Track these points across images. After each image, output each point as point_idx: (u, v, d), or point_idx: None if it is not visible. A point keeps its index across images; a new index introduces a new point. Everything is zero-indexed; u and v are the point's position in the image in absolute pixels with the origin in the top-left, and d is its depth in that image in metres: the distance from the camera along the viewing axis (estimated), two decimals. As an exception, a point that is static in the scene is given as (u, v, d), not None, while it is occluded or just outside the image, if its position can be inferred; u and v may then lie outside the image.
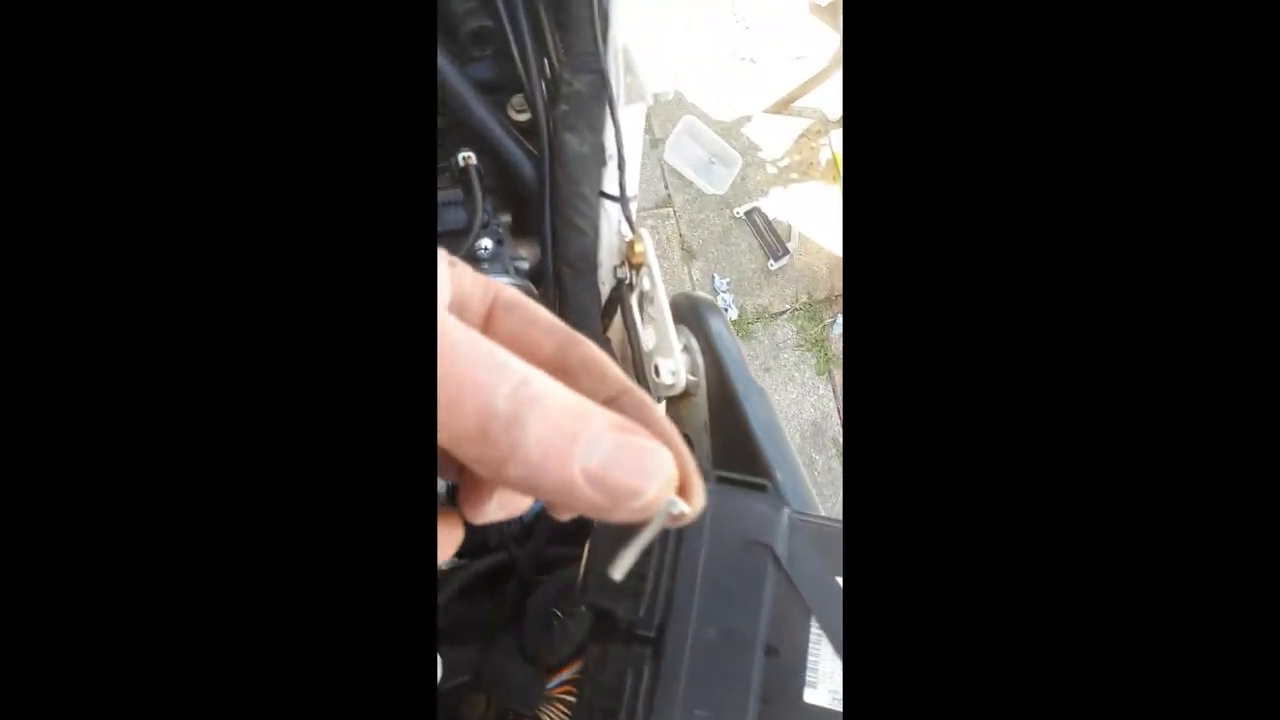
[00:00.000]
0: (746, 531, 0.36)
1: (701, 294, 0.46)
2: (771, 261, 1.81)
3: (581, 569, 0.37)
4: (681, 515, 0.15)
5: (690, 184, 1.85)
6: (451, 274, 0.18)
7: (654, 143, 1.85)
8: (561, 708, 0.39)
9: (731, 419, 0.41)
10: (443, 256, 0.17)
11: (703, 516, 0.30)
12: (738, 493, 0.37)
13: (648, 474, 0.15)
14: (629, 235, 0.48)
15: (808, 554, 0.36)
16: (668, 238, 1.82)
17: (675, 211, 1.85)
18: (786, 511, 0.37)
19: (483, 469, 0.15)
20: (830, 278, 1.87)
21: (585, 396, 0.15)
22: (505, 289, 0.19)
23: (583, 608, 0.38)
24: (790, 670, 0.34)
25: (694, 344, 0.46)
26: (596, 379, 0.18)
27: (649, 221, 1.81)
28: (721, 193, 1.83)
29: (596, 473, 0.14)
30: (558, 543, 0.45)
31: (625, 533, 0.16)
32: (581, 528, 0.42)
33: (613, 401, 0.17)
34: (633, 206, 0.51)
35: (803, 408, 1.80)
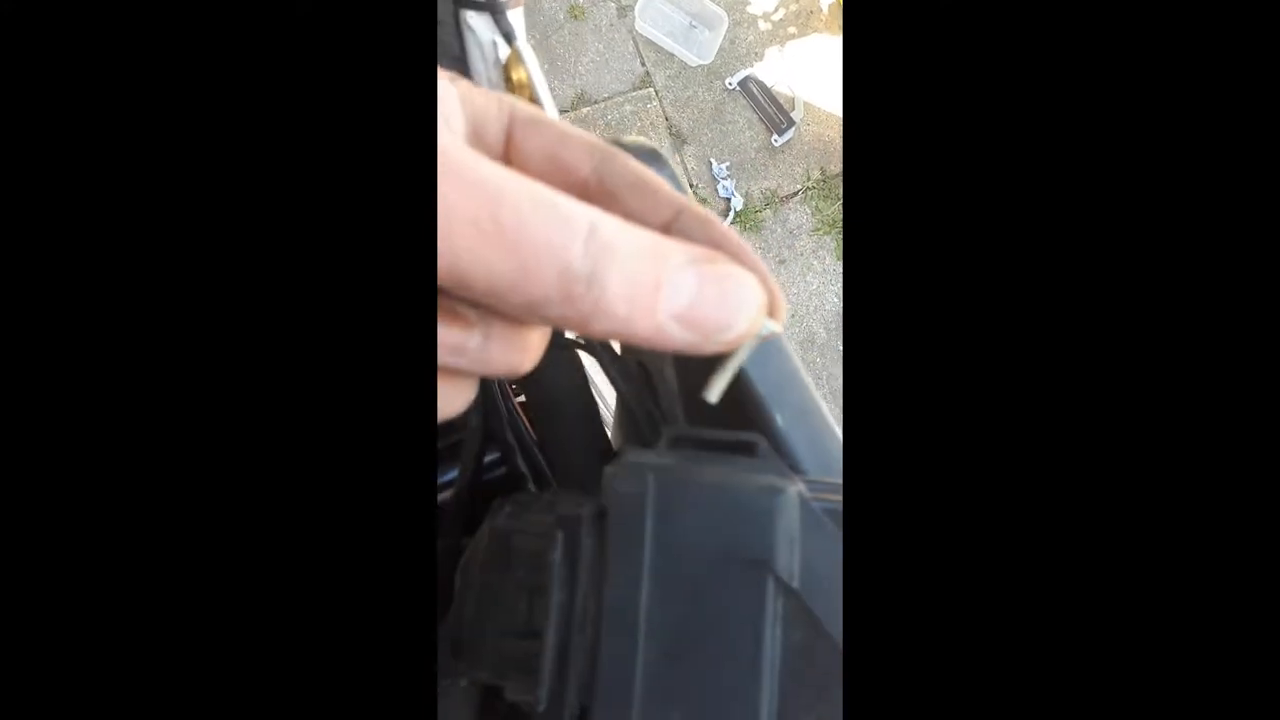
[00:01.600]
0: (722, 540, 0.19)
1: (634, 140, 0.24)
2: (775, 136, 1.61)
3: (453, 602, 0.22)
4: (772, 335, 0.16)
5: (670, 56, 1.61)
6: (458, 94, 0.17)
7: (621, 11, 1.59)
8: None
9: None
10: (442, 75, 0.16)
11: (638, 525, 0.19)
12: (707, 465, 0.20)
13: (737, 305, 0.15)
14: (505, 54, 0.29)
15: (836, 562, 0.19)
16: (652, 123, 1.60)
17: (657, 92, 1.62)
18: (794, 492, 0.19)
19: (565, 326, 0.14)
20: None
21: (641, 221, 0.15)
22: (520, 103, 0.17)
23: (462, 680, 0.22)
24: None
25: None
26: (649, 200, 0.17)
27: (626, 108, 1.58)
28: (708, 62, 1.59)
29: (685, 314, 0.14)
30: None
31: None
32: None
33: (673, 224, 0.16)
34: (516, 15, 0.31)
35: (825, 299, 1.62)
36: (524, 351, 0.17)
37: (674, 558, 0.19)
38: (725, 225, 0.17)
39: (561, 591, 0.20)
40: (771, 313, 0.16)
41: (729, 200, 1.59)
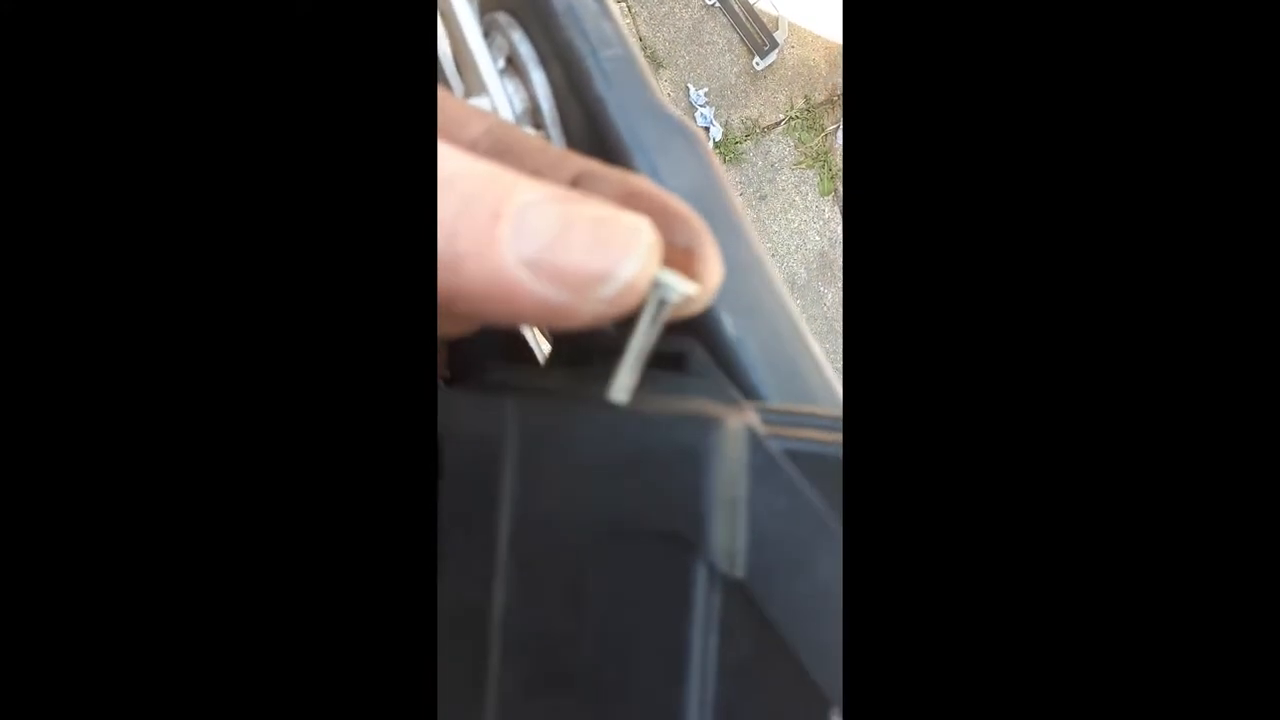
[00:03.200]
0: (625, 504, 0.12)
1: None
2: (757, 60, 1.51)
3: None
4: (687, 301, 0.12)
5: (645, -33, 1.48)
6: None
7: (592, -85, 1.46)
8: None
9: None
10: None
11: (492, 485, 0.12)
12: (603, 387, 0.12)
13: (617, 249, 0.11)
14: None
15: (806, 535, 0.11)
16: (624, 43, 1.49)
17: (629, 6, 1.50)
18: (739, 422, 0.11)
19: None
20: (830, 73, 1.56)
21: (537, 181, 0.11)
22: None
23: None
24: None
25: (525, 51, 0.19)
26: (547, 160, 0.14)
27: (597, 22, 1.47)
28: (686, -26, 1.47)
29: (540, 258, 0.11)
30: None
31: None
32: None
33: (576, 183, 0.13)
34: None
35: (807, 237, 1.55)
36: None
37: (545, 533, 0.12)
38: (643, 179, 0.13)
39: None
40: (689, 271, 0.12)
41: (708, 130, 1.51)
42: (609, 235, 0.11)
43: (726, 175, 0.17)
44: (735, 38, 1.52)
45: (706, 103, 1.51)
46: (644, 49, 1.50)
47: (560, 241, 0.11)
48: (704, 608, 0.11)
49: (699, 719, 0.11)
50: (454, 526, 0.12)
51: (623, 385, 0.12)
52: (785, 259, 1.53)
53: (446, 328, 0.14)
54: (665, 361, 0.13)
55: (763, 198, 1.53)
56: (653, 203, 0.12)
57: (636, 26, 1.50)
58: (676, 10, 1.52)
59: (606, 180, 0.13)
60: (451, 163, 0.11)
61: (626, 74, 0.17)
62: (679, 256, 0.12)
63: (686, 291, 0.11)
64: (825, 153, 1.55)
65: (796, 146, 1.54)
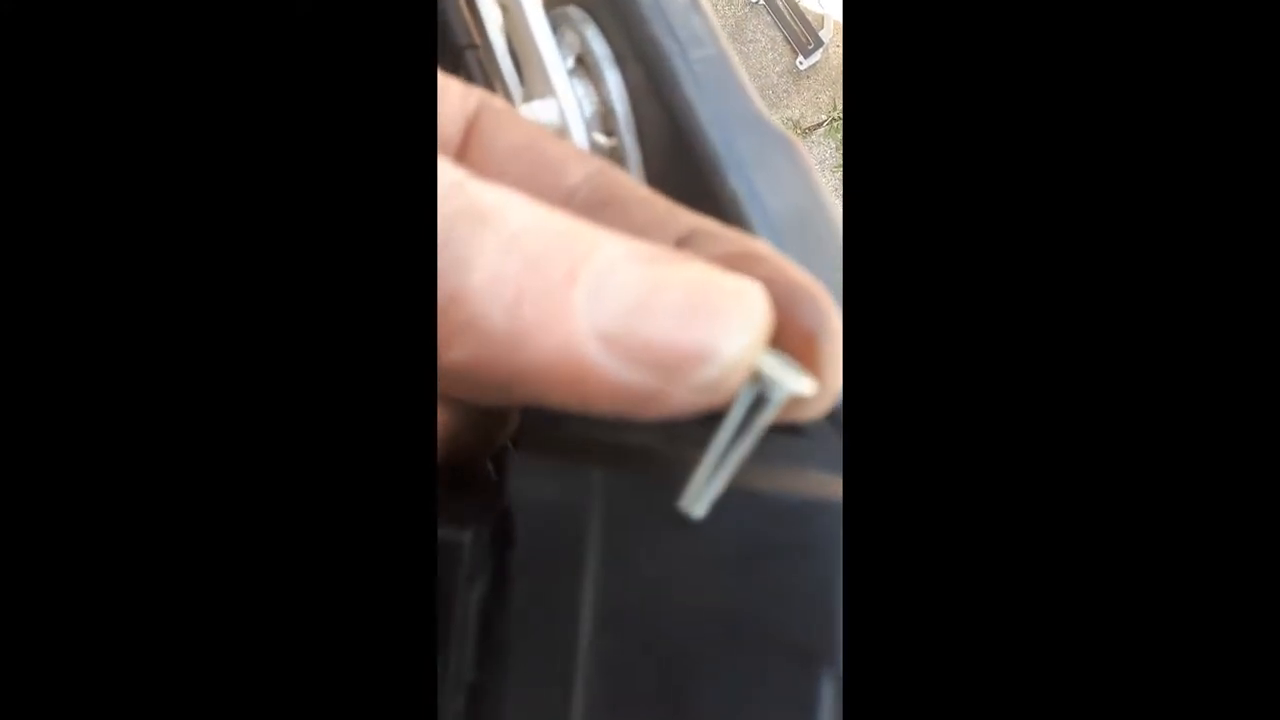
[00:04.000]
0: (740, 605, 0.09)
1: None
2: (800, 59, 1.49)
3: None
4: (797, 400, 0.09)
5: (689, -37, 1.47)
6: None
7: (637, -91, 1.45)
8: None
9: (709, 211, 0.13)
10: None
11: (574, 566, 0.10)
12: (710, 455, 0.10)
13: (717, 317, 0.09)
14: None
15: None
16: (665, 40, 1.48)
17: (672, 4, 1.49)
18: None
19: None
20: (876, 73, 1.52)
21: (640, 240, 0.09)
22: (494, 100, 0.14)
23: None
24: None
25: (599, 49, 0.17)
26: (652, 216, 0.12)
27: (638, 19, 1.46)
28: (730, -30, 1.45)
29: (620, 332, 0.08)
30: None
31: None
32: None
33: (685, 245, 0.11)
34: None
35: (847, 242, 1.53)
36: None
37: (637, 634, 0.10)
38: (763, 243, 0.11)
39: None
40: (810, 363, 0.10)
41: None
42: (708, 303, 0.09)
43: (832, 195, 0.15)
44: (779, 36, 1.50)
45: (747, 102, 1.50)
46: (685, 46, 1.49)
47: (646, 309, 0.09)
48: (829, 714, 0.09)
49: None
50: (526, 617, 0.10)
51: (701, 497, 0.10)
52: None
53: (504, 399, 0.12)
54: (786, 429, 0.11)
55: (819, 172, 1.52)
56: (770, 269, 0.10)
57: (678, 23, 1.50)
58: (719, 7, 1.50)
59: (719, 240, 0.11)
60: (521, 215, 0.09)
61: (721, 77, 0.15)
62: (797, 342, 0.10)
63: (797, 390, 0.09)
64: (868, 155, 1.52)
65: (839, 149, 1.52)
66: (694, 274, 0.09)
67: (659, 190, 0.18)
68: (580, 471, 0.10)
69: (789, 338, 0.10)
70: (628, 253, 0.09)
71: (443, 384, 0.10)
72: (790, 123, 1.51)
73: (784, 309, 0.10)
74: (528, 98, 0.21)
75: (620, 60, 0.17)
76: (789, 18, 1.48)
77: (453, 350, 0.09)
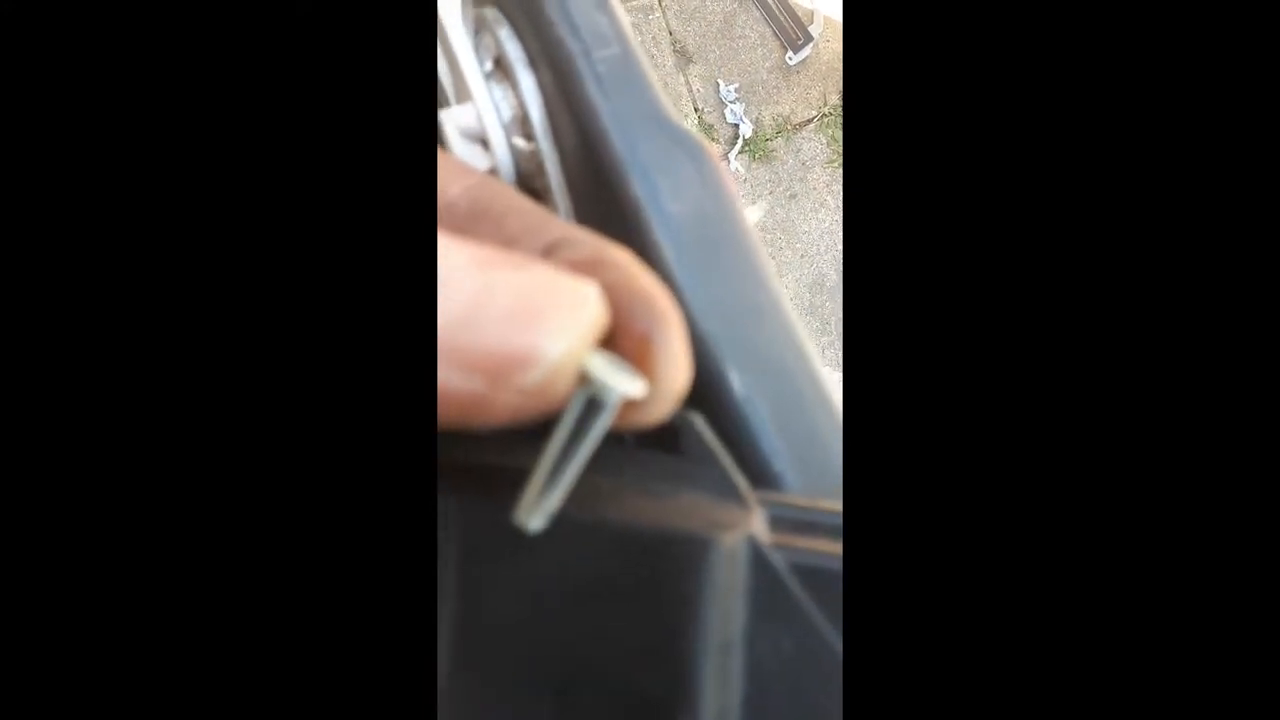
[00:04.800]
0: (595, 644, 0.09)
1: None
2: (790, 54, 1.48)
3: None
4: (633, 404, 0.09)
5: (676, -41, 1.45)
6: None
7: (623, -94, 1.43)
8: None
9: (611, 227, 0.12)
10: None
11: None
12: (572, 476, 0.09)
13: (540, 323, 0.09)
14: None
15: (813, 670, 0.08)
16: (654, 37, 1.47)
17: (660, 2, 1.48)
18: (744, 535, 0.09)
19: None
20: (866, 68, 1.51)
21: (507, 248, 0.10)
22: None
23: None
24: None
25: (513, 51, 0.17)
26: (523, 225, 0.12)
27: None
28: (718, -34, 1.44)
29: (448, 338, 0.08)
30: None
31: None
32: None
33: (554, 250, 0.11)
34: None
35: (838, 238, 1.52)
36: None
37: (483, 675, 0.09)
38: (621, 251, 0.11)
39: None
40: (643, 363, 0.09)
41: (737, 126, 1.48)
42: (535, 307, 0.09)
43: (740, 199, 0.15)
44: (768, 32, 1.48)
45: (737, 99, 1.48)
46: (674, 44, 1.48)
47: (476, 316, 0.08)
48: None
49: None
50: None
51: (535, 508, 0.09)
52: (814, 260, 1.49)
53: None
54: (654, 437, 0.11)
55: (793, 196, 1.50)
56: (617, 275, 0.10)
57: (667, 20, 1.48)
58: (708, 3, 1.49)
59: (577, 246, 0.11)
60: None
61: (624, 78, 0.15)
62: (633, 345, 0.10)
63: (627, 391, 0.09)
64: (859, 151, 1.51)
65: (829, 144, 1.51)
66: (526, 279, 0.09)
67: (573, 194, 0.17)
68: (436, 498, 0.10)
69: (626, 341, 0.10)
70: (466, 259, 0.09)
71: None
72: (781, 119, 1.50)
73: (623, 313, 0.09)
74: (458, 100, 0.20)
75: (533, 62, 0.17)
76: (778, 13, 1.47)
77: None
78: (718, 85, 1.48)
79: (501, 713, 0.09)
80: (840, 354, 1.51)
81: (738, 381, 0.12)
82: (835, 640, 0.09)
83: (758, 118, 1.48)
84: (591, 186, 0.16)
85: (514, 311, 0.09)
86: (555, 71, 0.16)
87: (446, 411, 0.09)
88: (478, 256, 0.09)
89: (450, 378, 0.09)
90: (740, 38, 1.48)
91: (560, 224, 0.12)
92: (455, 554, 0.09)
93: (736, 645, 0.09)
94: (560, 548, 0.09)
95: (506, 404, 0.09)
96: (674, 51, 1.48)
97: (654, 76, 0.15)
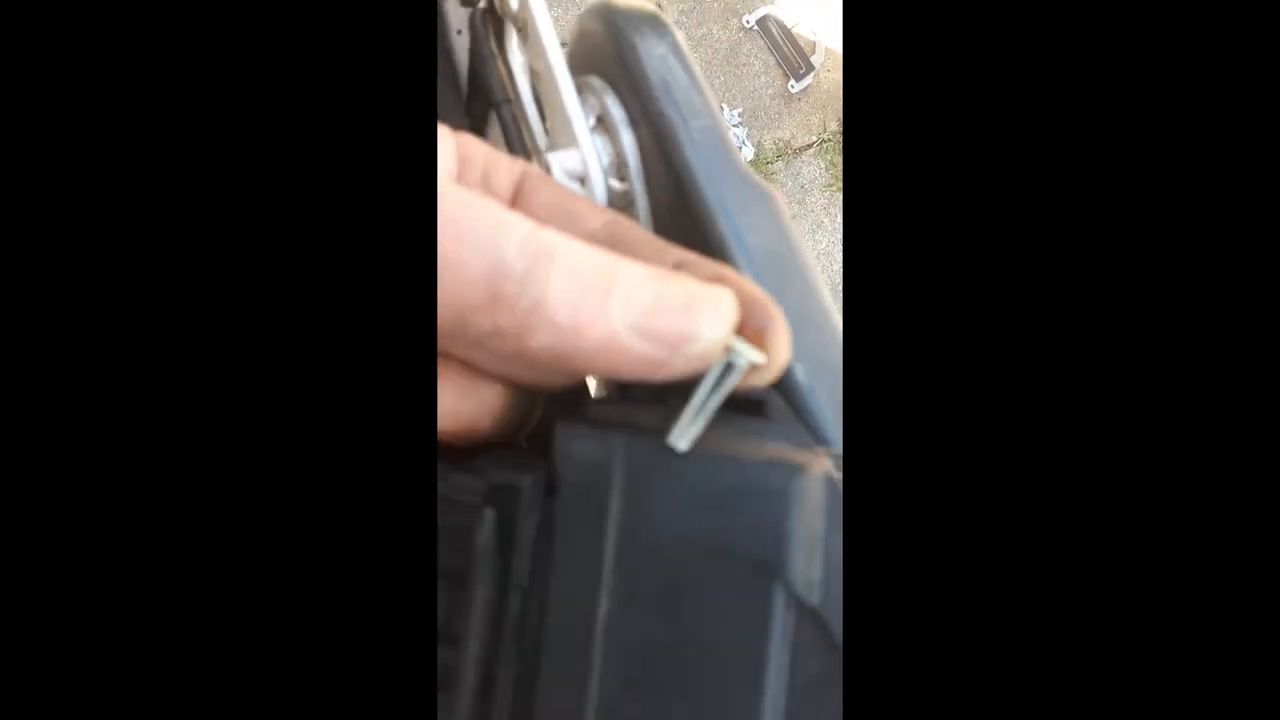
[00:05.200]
0: (717, 532, 0.14)
1: (625, 2, 0.18)
2: (793, 82, 1.53)
3: None
4: (754, 368, 0.14)
5: (686, -12, 1.51)
6: (456, 145, 0.17)
7: (637, -64, 1.48)
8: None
9: (701, 251, 0.17)
10: (441, 130, 0.16)
11: (600, 504, 0.14)
12: (705, 432, 0.14)
13: (701, 313, 0.13)
14: None
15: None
16: (663, 62, 1.51)
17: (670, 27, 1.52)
18: (819, 471, 0.14)
19: (496, 344, 0.13)
20: (865, 98, 1.56)
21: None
22: (534, 168, 0.18)
23: None
24: None
25: (616, 113, 0.21)
26: (652, 251, 0.16)
27: (637, 41, 1.49)
28: (726, -3, 1.49)
29: (643, 322, 0.13)
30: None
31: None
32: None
33: (678, 270, 0.15)
34: None
35: (834, 259, 1.56)
36: (478, 407, 0.15)
37: (647, 553, 0.14)
38: (731, 270, 0.15)
39: (489, 586, 0.14)
40: (760, 343, 0.14)
41: (740, 149, 1.52)
42: (696, 304, 0.13)
43: (801, 238, 0.19)
44: (772, 60, 1.53)
45: (740, 122, 1.52)
46: (681, 68, 1.53)
47: (658, 309, 0.13)
48: (781, 628, 0.13)
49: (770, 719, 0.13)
50: (566, 540, 0.14)
51: (685, 434, 0.14)
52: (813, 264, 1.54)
53: (553, 380, 0.16)
54: (748, 408, 0.15)
55: (791, 218, 1.55)
56: (738, 286, 0.14)
57: (675, 46, 1.53)
58: (715, 31, 1.54)
59: (700, 266, 0.15)
60: (574, 251, 0.13)
61: (714, 143, 0.19)
62: (753, 335, 0.14)
63: (754, 359, 0.13)
64: (856, 176, 1.56)
65: (827, 169, 1.55)
66: (687, 286, 0.13)
67: (664, 231, 0.22)
68: (606, 437, 0.14)
69: (748, 330, 0.14)
70: (643, 274, 0.13)
71: (522, 367, 0.14)
72: (782, 143, 1.55)
73: (745, 311, 0.14)
74: (552, 146, 0.25)
75: (633, 123, 0.22)
76: (782, 43, 1.52)
77: (534, 339, 0.13)
78: (722, 109, 1.53)
79: (659, 577, 0.14)
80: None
81: (801, 372, 0.17)
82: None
83: (760, 141, 1.53)
84: (681, 223, 0.20)
85: (683, 307, 0.13)
86: (655, 133, 0.20)
87: (641, 370, 0.13)
88: (649, 273, 0.13)
89: (643, 347, 0.13)
90: (745, 65, 1.54)
91: (678, 250, 0.16)
92: (623, 474, 0.14)
93: (819, 540, 0.13)
94: (698, 470, 0.14)
95: (680, 366, 0.13)
96: (681, 75, 1.52)
97: (735, 143, 0.20)
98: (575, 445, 0.14)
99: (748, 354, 0.13)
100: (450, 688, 0.15)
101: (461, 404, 0.15)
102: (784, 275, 0.18)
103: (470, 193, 0.13)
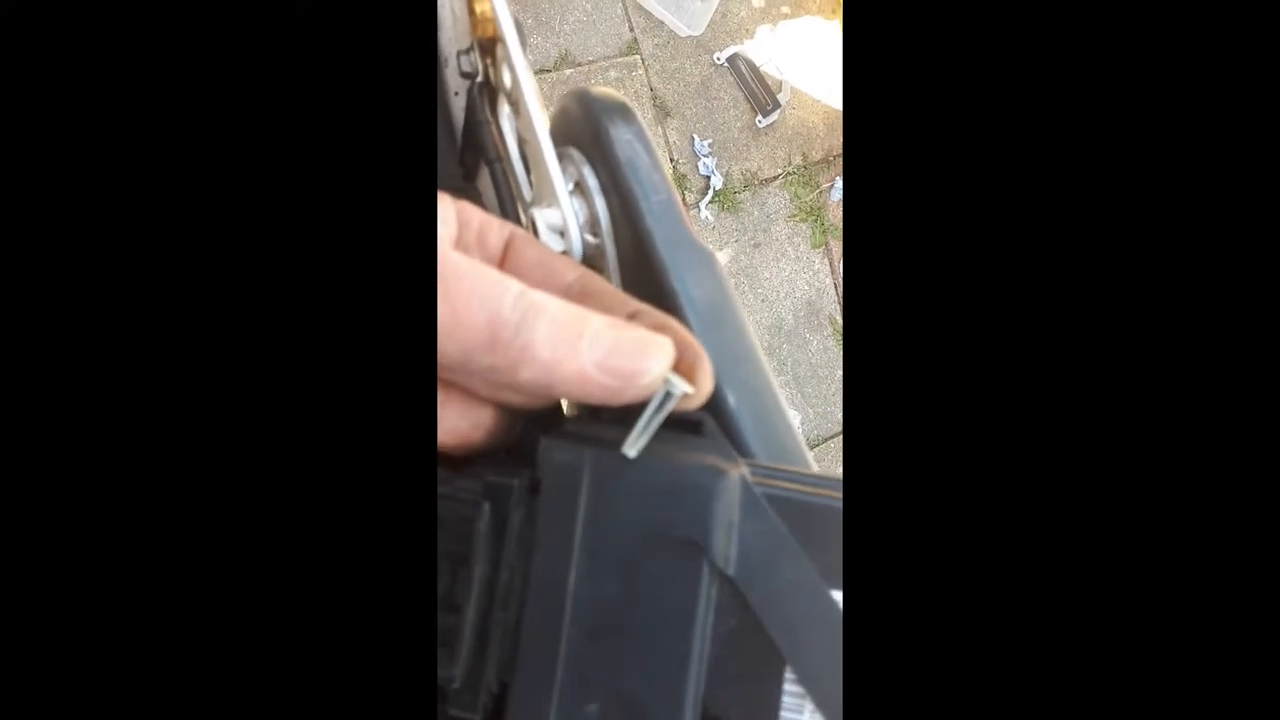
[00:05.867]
0: (657, 520, 0.18)
1: (600, 92, 0.23)
2: (760, 118, 1.59)
3: None
4: (686, 396, 0.18)
5: (660, 24, 1.57)
6: (456, 211, 0.20)
7: (615, -28, 1.55)
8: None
9: (655, 303, 0.21)
10: (443, 197, 0.19)
11: (571, 499, 0.19)
12: (651, 443, 0.19)
13: (648, 355, 0.17)
14: None
15: (776, 550, 0.18)
16: (636, 92, 1.57)
17: (644, 60, 1.58)
18: (735, 476, 0.18)
19: (492, 376, 0.17)
20: (827, 136, 1.65)
21: (609, 315, 0.18)
22: (519, 230, 0.22)
23: None
24: None
25: (591, 182, 0.26)
26: (614, 301, 0.21)
27: (611, 73, 1.55)
28: (698, 34, 1.56)
29: (603, 361, 0.17)
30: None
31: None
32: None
33: (631, 317, 0.20)
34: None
35: (796, 285, 1.63)
36: (474, 425, 0.19)
37: (607, 534, 0.18)
38: (671, 320, 0.20)
39: (485, 564, 0.19)
40: (691, 377, 0.18)
41: (709, 178, 1.58)
42: (645, 348, 0.17)
43: (735, 291, 0.24)
44: (741, 96, 1.60)
45: (710, 153, 1.57)
46: (654, 99, 1.59)
47: (616, 351, 0.17)
48: (706, 592, 0.18)
49: (697, 668, 0.18)
50: (545, 526, 0.19)
51: (635, 445, 0.18)
52: (774, 305, 1.60)
53: (534, 403, 0.20)
54: (686, 427, 0.20)
55: (756, 245, 1.60)
56: (675, 333, 0.19)
57: (649, 77, 1.59)
58: (687, 66, 1.60)
59: (649, 315, 0.20)
60: (554, 306, 0.17)
61: (669, 214, 0.24)
62: (687, 371, 0.19)
63: (685, 390, 0.18)
64: (819, 208, 1.63)
65: (792, 200, 1.61)
66: (638, 333, 0.18)
67: (628, 279, 0.26)
68: (577, 448, 0.19)
69: (683, 367, 0.19)
70: (605, 323, 0.17)
71: (511, 394, 0.19)
72: (749, 174, 1.61)
73: (680, 353, 0.19)
74: (535, 202, 0.29)
75: (605, 191, 0.26)
76: (750, 80, 1.59)
77: (523, 373, 0.17)
78: (693, 139, 1.57)
79: (616, 554, 0.18)
80: (791, 394, 1.62)
81: (731, 399, 0.22)
82: (785, 531, 0.18)
83: (728, 172, 1.59)
84: (641, 275, 0.25)
85: (637, 350, 0.17)
86: (622, 201, 0.25)
87: (602, 396, 0.17)
88: (610, 323, 0.17)
89: (604, 380, 0.17)
90: (715, 98, 1.59)
91: (634, 301, 0.20)
92: (590, 474, 0.18)
93: (734, 526, 0.18)
94: (646, 472, 0.18)
95: (632, 394, 0.17)
96: (654, 105, 1.58)
97: (685, 212, 0.25)
98: (554, 454, 0.19)
99: (680, 385, 0.18)
100: (451, 645, 0.19)
101: (461, 422, 0.19)
102: (721, 321, 0.23)
103: (473, 260, 0.17)
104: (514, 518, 0.19)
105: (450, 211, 0.20)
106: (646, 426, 0.18)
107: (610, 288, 0.21)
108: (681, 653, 0.18)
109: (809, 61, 1.62)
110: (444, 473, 0.20)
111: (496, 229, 0.22)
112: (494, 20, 0.27)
